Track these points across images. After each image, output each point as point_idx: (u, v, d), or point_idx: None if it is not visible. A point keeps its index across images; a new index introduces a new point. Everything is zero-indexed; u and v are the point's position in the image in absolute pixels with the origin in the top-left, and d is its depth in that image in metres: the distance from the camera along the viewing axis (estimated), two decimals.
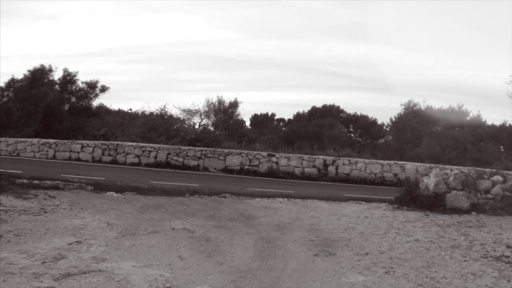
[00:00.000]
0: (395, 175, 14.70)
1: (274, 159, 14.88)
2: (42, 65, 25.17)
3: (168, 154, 15.62)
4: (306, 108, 35.76)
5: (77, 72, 26.18)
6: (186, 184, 10.14)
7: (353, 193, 10.16)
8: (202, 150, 15.57)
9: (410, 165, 14.84)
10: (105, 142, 17.02)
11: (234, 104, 27.22)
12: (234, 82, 54.81)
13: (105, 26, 60.43)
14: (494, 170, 9.11)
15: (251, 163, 14.94)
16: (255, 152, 15.15)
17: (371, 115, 33.75)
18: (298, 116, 35.08)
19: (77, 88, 26.47)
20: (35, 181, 8.54)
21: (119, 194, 8.10)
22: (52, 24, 58.32)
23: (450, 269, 4.26)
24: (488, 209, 7.60)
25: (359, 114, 33.95)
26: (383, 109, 66.25)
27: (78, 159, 16.46)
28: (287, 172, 14.42)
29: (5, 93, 24.74)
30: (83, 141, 17.18)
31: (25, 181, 8.53)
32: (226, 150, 15.48)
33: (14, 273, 3.55)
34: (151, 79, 55.59)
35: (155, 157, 15.69)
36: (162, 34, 61.22)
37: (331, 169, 14.88)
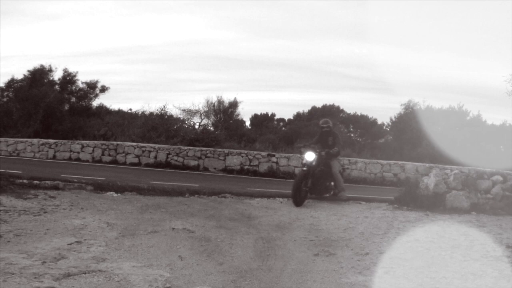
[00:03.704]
0: (395, 175, 14.72)
1: (274, 159, 14.89)
2: (42, 65, 25.22)
3: (168, 154, 15.63)
4: (306, 108, 35.82)
5: (77, 72, 26.22)
6: (186, 184, 10.14)
7: (353, 193, 10.15)
8: (202, 150, 15.57)
9: (410, 165, 14.85)
10: (105, 142, 17.03)
11: (234, 104, 27.23)
12: (234, 82, 54.89)
13: (106, 26, 60.49)
14: (494, 170, 9.11)
15: (251, 163, 14.95)
16: (255, 152, 15.16)
17: (371, 115, 33.81)
18: (298, 116, 35.11)
19: (77, 88, 26.50)
20: (35, 181, 8.54)
21: (119, 194, 8.10)
22: (52, 24, 58.35)
23: (450, 269, 4.26)
24: (488, 209, 7.59)
25: (359, 114, 33.99)
26: (383, 109, 66.35)
27: (78, 159, 16.47)
28: (287, 172, 14.44)
29: (5, 93, 24.76)
30: (83, 141, 17.19)
31: (25, 181, 8.53)
32: (226, 150, 15.49)
33: (14, 273, 3.55)
34: (151, 79, 55.64)
35: (155, 157, 15.69)
36: (162, 34, 61.27)
37: None
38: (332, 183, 8.66)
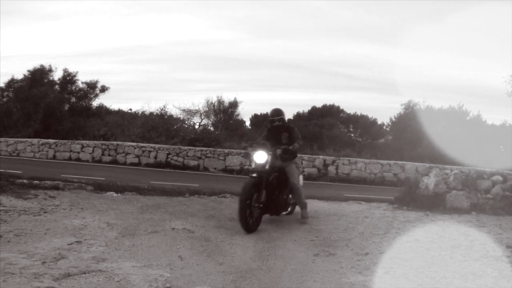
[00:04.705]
0: (395, 175, 14.73)
1: None
2: (42, 65, 25.27)
3: (168, 154, 15.64)
4: (306, 108, 35.79)
5: (77, 72, 26.27)
6: (186, 184, 10.15)
7: (353, 193, 10.17)
8: (202, 150, 15.58)
9: (410, 165, 14.86)
10: (105, 142, 17.06)
11: (234, 104, 27.26)
12: (234, 82, 54.98)
13: (106, 26, 60.56)
14: (494, 170, 9.10)
15: (252, 163, 14.96)
16: None
17: (371, 115, 33.79)
18: (298, 116, 35.08)
19: (77, 88, 26.54)
20: (35, 181, 8.54)
21: (119, 194, 8.10)
22: (52, 24, 58.43)
23: (450, 269, 4.26)
24: (488, 209, 7.59)
25: (359, 114, 33.96)
26: (383, 109, 66.41)
27: (78, 159, 16.48)
28: None
29: (5, 93, 24.79)
30: (83, 141, 17.22)
31: (25, 181, 8.54)
32: (226, 150, 15.50)
33: (14, 273, 3.55)
34: (151, 79, 55.73)
35: (155, 157, 15.70)
36: (162, 34, 61.38)
37: (331, 169, 14.89)
38: (290, 196, 6.51)
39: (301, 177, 6.77)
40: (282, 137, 6.35)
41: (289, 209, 6.66)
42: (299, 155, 7.29)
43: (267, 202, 5.82)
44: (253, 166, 5.98)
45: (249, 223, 5.53)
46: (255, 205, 5.64)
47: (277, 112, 6.45)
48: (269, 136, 6.52)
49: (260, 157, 5.88)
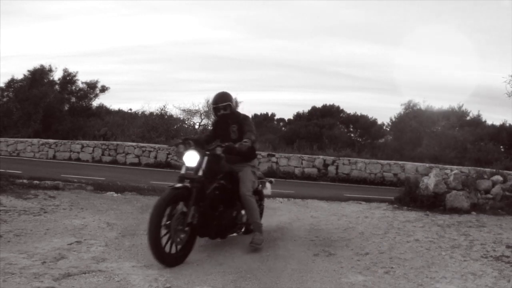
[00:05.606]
0: (395, 175, 14.73)
1: (274, 159, 14.91)
2: (42, 65, 25.28)
3: (168, 154, 15.64)
4: (306, 108, 35.83)
5: (77, 72, 26.28)
6: None
7: (353, 193, 10.16)
8: None
9: (410, 165, 14.87)
10: (105, 142, 17.07)
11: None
12: (235, 82, 55.04)
13: (106, 26, 60.66)
14: (494, 170, 9.11)
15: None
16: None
17: (371, 115, 33.83)
18: (298, 116, 35.11)
19: (77, 88, 26.53)
20: (35, 181, 8.53)
21: (119, 194, 8.10)
22: (53, 24, 58.51)
23: (450, 269, 4.26)
24: (488, 209, 7.60)
25: (359, 114, 33.98)
26: (383, 109, 66.50)
27: (78, 159, 16.48)
28: (287, 172, 14.46)
29: (5, 93, 24.78)
30: (83, 141, 17.23)
31: (25, 181, 8.53)
32: None
33: (14, 273, 3.55)
34: (151, 79, 55.82)
35: (155, 157, 15.71)
36: (163, 34, 61.50)
37: (331, 169, 14.89)
38: (243, 212, 4.86)
39: (268, 185, 5.53)
40: (230, 130, 4.73)
41: (242, 230, 5.05)
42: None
43: (204, 222, 4.19)
44: (182, 171, 4.27)
45: (167, 252, 3.92)
46: (177, 227, 3.96)
47: (222, 97, 4.76)
48: (215, 132, 4.96)
49: (191, 159, 4.23)
